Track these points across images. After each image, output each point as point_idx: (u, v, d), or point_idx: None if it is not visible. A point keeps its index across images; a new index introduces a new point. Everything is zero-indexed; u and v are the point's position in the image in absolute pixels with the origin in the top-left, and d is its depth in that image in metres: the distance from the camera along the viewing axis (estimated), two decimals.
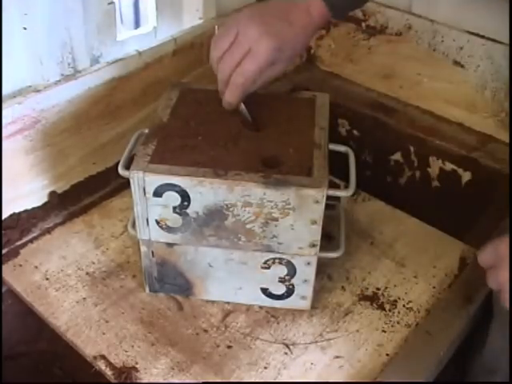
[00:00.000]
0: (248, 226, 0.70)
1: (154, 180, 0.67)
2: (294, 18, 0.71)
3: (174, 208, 0.69)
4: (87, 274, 0.82)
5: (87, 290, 0.80)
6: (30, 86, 0.84)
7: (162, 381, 0.69)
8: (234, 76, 0.70)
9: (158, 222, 0.71)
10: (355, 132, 1.14)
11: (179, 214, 0.70)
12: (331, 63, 1.24)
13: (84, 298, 0.79)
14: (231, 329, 0.76)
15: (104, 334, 0.74)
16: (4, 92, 0.81)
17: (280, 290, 0.76)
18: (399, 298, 0.80)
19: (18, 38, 0.80)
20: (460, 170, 1.03)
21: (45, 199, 0.89)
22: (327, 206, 0.68)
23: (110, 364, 0.70)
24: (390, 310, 0.79)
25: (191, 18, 1.03)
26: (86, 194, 0.94)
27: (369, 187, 0.97)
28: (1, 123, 0.78)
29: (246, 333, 0.75)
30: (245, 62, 0.70)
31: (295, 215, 0.68)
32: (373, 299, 0.80)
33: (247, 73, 0.70)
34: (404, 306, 0.79)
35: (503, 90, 1.02)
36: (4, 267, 0.82)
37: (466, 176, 1.03)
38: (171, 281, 0.78)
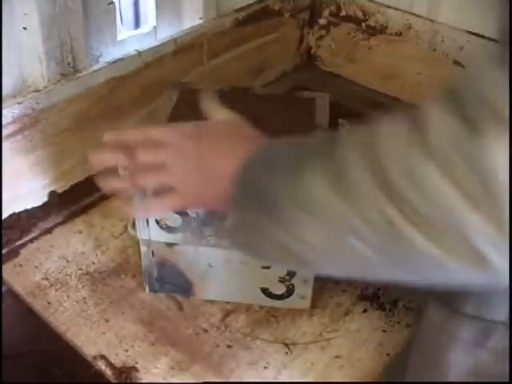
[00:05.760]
0: None
1: None
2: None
3: None
4: (87, 273, 0.82)
5: (87, 289, 0.80)
6: (29, 86, 0.84)
7: (161, 381, 0.69)
8: (154, 201, 0.60)
9: (157, 222, 0.71)
10: None
11: (179, 213, 0.69)
12: (331, 63, 1.24)
13: (84, 298, 0.79)
14: (231, 329, 0.76)
15: (104, 333, 0.74)
16: (4, 92, 0.81)
17: (280, 289, 0.76)
18: (399, 298, 0.80)
19: (18, 38, 0.80)
20: None
21: (45, 199, 0.89)
22: None
23: (109, 364, 0.70)
24: (390, 310, 0.79)
25: (191, 18, 1.03)
26: (86, 194, 0.93)
27: None
28: (1, 123, 0.78)
29: (245, 332, 0.75)
30: (169, 197, 0.59)
31: None
32: (373, 299, 0.80)
33: (167, 208, 0.62)
34: (404, 305, 0.79)
35: None
36: (4, 267, 0.82)
37: None
38: (171, 281, 0.78)
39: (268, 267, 0.74)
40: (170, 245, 0.74)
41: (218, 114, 0.65)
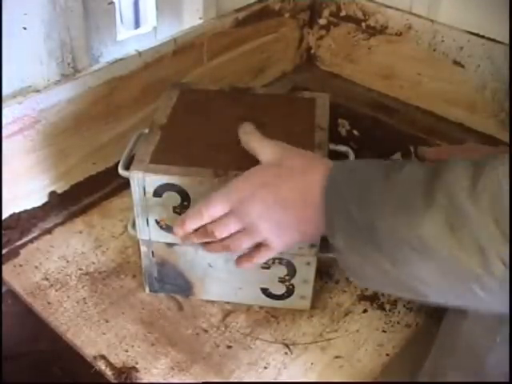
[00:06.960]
0: None
1: (154, 180, 0.67)
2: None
3: (174, 208, 0.69)
4: (87, 274, 0.82)
5: (87, 290, 0.80)
6: (29, 86, 0.84)
7: (162, 381, 0.69)
8: (243, 259, 0.66)
9: (157, 222, 0.71)
10: (355, 132, 1.14)
11: (179, 213, 0.69)
12: (331, 63, 1.24)
13: (84, 298, 0.79)
14: (231, 329, 0.76)
15: (104, 334, 0.74)
16: (4, 92, 0.81)
17: (280, 290, 0.76)
18: (399, 298, 0.80)
19: (18, 38, 0.80)
20: None
21: (45, 199, 0.89)
22: None
23: (110, 364, 0.70)
24: (390, 310, 0.79)
25: (191, 18, 1.03)
26: (86, 194, 0.94)
27: None
28: (1, 123, 0.78)
29: (246, 333, 0.75)
30: (260, 255, 0.64)
31: None
32: (373, 299, 0.80)
33: (259, 260, 0.65)
34: (404, 306, 0.79)
35: (503, 90, 1.02)
36: (4, 267, 0.82)
37: None
38: (171, 281, 0.78)
39: (268, 267, 0.74)
40: (170, 245, 0.74)
41: (264, 148, 0.65)
